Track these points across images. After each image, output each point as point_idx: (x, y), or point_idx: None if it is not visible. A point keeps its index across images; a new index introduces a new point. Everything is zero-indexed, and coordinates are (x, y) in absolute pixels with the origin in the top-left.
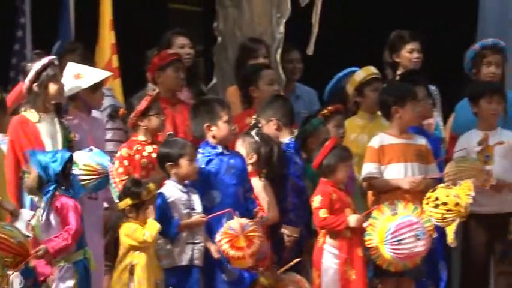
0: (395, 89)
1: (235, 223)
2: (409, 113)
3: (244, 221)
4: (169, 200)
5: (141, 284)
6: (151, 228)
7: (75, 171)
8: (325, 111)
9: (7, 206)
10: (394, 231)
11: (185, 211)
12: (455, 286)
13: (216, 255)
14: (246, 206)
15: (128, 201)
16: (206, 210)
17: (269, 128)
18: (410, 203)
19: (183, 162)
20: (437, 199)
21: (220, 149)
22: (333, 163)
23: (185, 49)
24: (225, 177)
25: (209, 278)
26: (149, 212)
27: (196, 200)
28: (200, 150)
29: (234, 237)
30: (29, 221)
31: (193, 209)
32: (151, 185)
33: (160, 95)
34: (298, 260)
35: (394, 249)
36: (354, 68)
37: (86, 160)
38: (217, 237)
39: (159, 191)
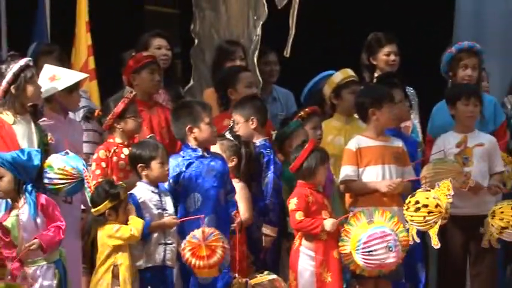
0: (372, 92)
1: (199, 232)
2: (386, 116)
3: (209, 230)
4: (140, 200)
5: (127, 283)
6: (136, 223)
7: (51, 174)
8: (302, 113)
9: None
10: (365, 242)
11: (156, 212)
12: (433, 287)
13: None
14: (226, 209)
15: (107, 204)
16: (188, 213)
17: (247, 127)
18: (387, 212)
19: (154, 164)
20: (417, 202)
21: (200, 152)
22: (313, 166)
23: (162, 50)
24: (205, 180)
25: (185, 279)
26: (130, 209)
27: (168, 202)
28: (181, 153)
29: (196, 245)
30: None
31: (164, 209)
32: (123, 184)
33: (137, 98)
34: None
35: (364, 259)
36: (331, 71)
37: (61, 164)
38: (182, 245)
39: (129, 192)
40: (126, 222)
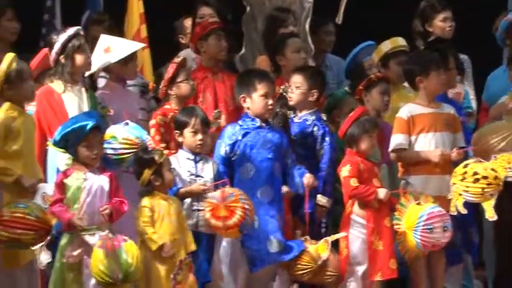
0: (419, 59)
1: (218, 193)
2: (434, 83)
3: (229, 190)
4: (172, 166)
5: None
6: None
7: (115, 145)
8: (372, 77)
9: (25, 183)
10: (426, 219)
11: (188, 178)
12: (488, 254)
13: None
14: (281, 182)
15: (148, 171)
16: (240, 182)
17: (305, 96)
18: (430, 197)
19: (186, 132)
20: (475, 173)
21: (258, 123)
22: (356, 133)
23: (205, 19)
24: (260, 151)
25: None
26: (169, 173)
27: (206, 169)
28: (239, 121)
29: (215, 206)
30: (44, 193)
31: (198, 176)
32: (158, 148)
33: (202, 64)
34: (344, 234)
35: (423, 236)
36: (370, 42)
37: (125, 134)
38: (202, 204)
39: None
40: (171, 184)
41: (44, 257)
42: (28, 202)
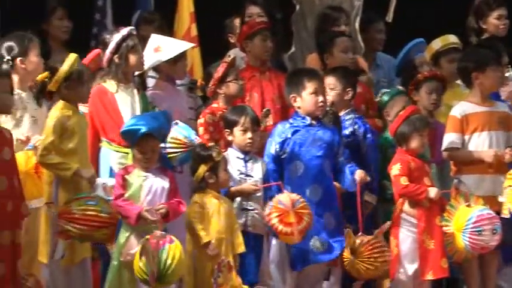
0: (475, 55)
1: (286, 198)
2: (490, 79)
3: (295, 196)
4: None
5: None
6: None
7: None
8: (419, 76)
9: (84, 174)
10: (475, 221)
11: (238, 177)
12: None
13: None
14: (331, 180)
15: (204, 168)
16: (291, 180)
17: (341, 95)
18: (480, 199)
19: (236, 131)
20: None
21: (308, 121)
22: (406, 132)
23: (253, 18)
24: (309, 149)
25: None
26: (225, 173)
27: (256, 168)
28: (290, 120)
29: (284, 212)
30: (104, 183)
31: (248, 175)
32: (216, 146)
33: (249, 63)
34: (389, 223)
35: (472, 238)
36: (420, 39)
37: (174, 133)
38: (267, 210)
39: None
40: (227, 184)
41: (60, 247)
42: (96, 198)
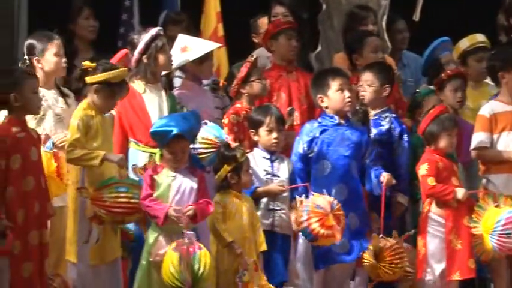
0: (502, 54)
1: (323, 201)
2: None
3: (330, 198)
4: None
5: None
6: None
7: (195, 145)
8: (443, 75)
9: (112, 158)
10: (504, 224)
11: (264, 177)
12: None
13: (294, 227)
14: (358, 180)
15: (226, 168)
16: (316, 179)
17: (378, 92)
18: (509, 199)
19: (262, 131)
20: None
21: (337, 120)
22: (435, 131)
23: (277, 17)
24: (337, 148)
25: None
26: (248, 174)
27: (282, 168)
28: (319, 119)
29: (323, 215)
30: (134, 164)
31: (274, 175)
32: (240, 147)
33: (276, 62)
34: (413, 231)
35: (500, 240)
36: (445, 38)
37: (204, 133)
38: (304, 216)
39: None
40: (248, 185)
41: (95, 232)
42: (127, 184)
